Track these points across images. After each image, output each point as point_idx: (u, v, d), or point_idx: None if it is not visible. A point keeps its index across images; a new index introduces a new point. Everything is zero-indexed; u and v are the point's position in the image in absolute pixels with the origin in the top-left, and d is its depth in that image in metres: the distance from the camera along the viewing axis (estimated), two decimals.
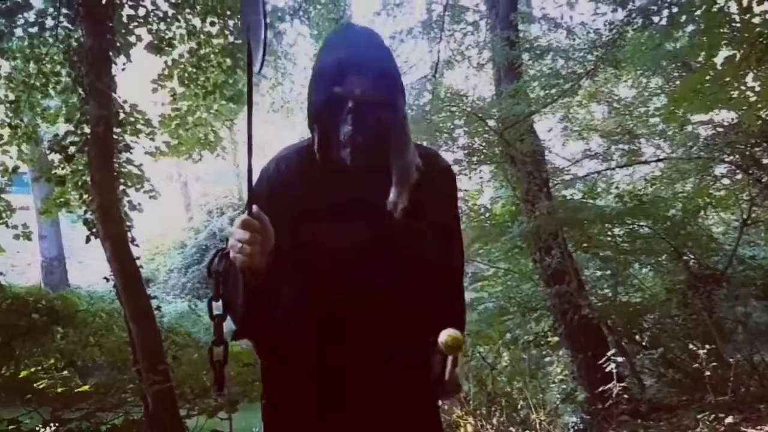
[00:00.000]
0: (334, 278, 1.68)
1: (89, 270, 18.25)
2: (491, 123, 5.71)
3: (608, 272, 5.98)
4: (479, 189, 6.99)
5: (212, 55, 7.62)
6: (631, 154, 6.69)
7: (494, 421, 4.46)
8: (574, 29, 7.40)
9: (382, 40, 1.81)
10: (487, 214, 6.94)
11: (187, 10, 7.42)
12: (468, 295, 7.40)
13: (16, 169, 8.05)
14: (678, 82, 6.65)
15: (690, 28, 5.30)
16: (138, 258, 6.07)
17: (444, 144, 6.27)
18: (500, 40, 6.21)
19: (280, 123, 14.49)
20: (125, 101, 6.81)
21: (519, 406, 4.65)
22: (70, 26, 6.59)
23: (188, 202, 25.17)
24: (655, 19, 5.74)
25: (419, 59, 9.17)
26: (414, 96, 7.86)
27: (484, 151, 5.88)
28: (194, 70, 7.58)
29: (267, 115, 12.83)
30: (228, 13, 7.58)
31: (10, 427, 4.89)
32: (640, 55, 5.61)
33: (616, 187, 6.88)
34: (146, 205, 7.09)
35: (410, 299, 1.69)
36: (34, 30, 6.89)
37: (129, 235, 6.06)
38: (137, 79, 7.53)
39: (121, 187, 6.50)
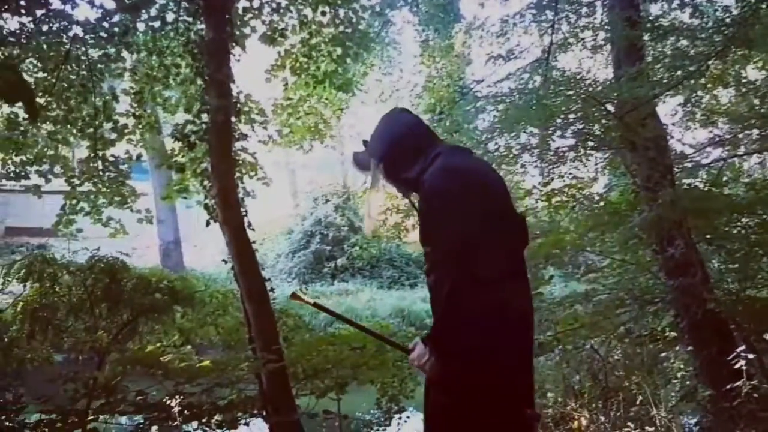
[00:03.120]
0: None
1: (203, 253, 19.17)
2: (609, 107, 5.47)
3: (735, 265, 5.61)
4: (593, 176, 6.73)
5: (323, 45, 7.76)
6: (763, 140, 6.23)
7: (611, 415, 4.30)
8: (700, 6, 6.97)
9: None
10: (602, 203, 6.68)
11: (299, 1, 7.56)
12: (581, 287, 7.17)
13: (139, 156, 8.54)
14: None
15: None
16: (254, 242, 6.28)
17: (557, 129, 6.09)
18: (620, 20, 5.92)
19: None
20: (240, 91, 7.05)
21: (638, 402, 4.45)
22: (189, 20, 6.87)
23: (295, 190, 25.87)
24: None
25: (530, 43, 8.95)
26: (524, 81, 7.68)
27: (601, 136, 5.64)
28: (305, 59, 7.74)
29: (376, 105, 12.91)
30: (338, 2, 7.68)
31: (138, 398, 5.21)
32: None
33: (749, 175, 6.44)
34: (257, 191, 7.33)
35: None
36: (156, 24, 7.25)
37: (245, 220, 6.28)
38: (250, 70, 7.78)
39: (237, 174, 6.74)
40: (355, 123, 12.69)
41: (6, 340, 6.51)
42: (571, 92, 5.57)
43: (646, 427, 4.08)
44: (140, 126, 7.94)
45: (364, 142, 2.67)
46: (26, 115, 7.11)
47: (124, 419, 5.88)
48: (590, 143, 5.85)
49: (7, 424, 5.00)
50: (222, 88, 6.18)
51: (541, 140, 6.86)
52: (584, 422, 4.30)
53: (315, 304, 2.89)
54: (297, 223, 21.56)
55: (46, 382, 5.25)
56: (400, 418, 6.71)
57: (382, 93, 11.65)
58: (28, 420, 5.14)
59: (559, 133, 6.09)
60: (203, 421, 4.85)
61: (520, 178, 8.49)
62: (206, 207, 6.42)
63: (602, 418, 4.35)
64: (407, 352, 2.38)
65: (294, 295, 3.04)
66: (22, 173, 7.51)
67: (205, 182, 6.52)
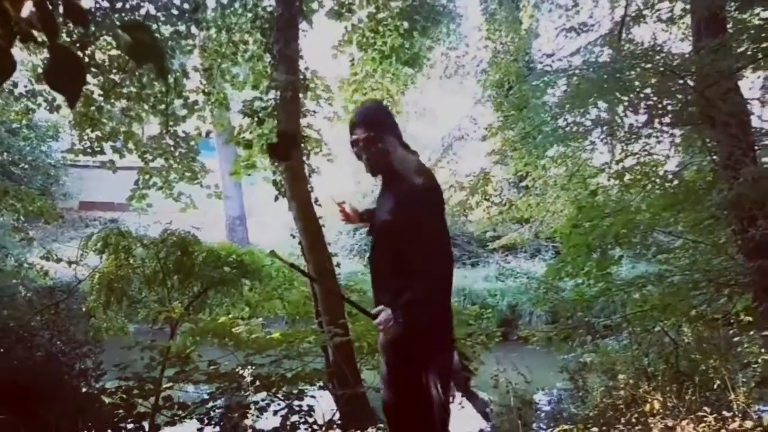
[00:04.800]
0: None
1: (267, 229, 19.50)
2: (688, 81, 5.24)
3: None
4: (668, 154, 6.48)
5: (390, 19, 7.69)
6: None
7: (685, 398, 4.18)
8: None
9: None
10: (676, 182, 6.44)
11: None
12: (650, 268, 6.98)
13: (209, 133, 8.70)
14: None
15: None
16: (320, 218, 6.34)
17: (631, 105, 5.89)
18: None
19: (451, 88, 14.32)
20: (307, 67, 7.07)
21: (714, 386, 4.31)
22: None
23: (356, 167, 25.96)
24: None
25: (602, 16, 8.66)
26: (596, 55, 7.45)
27: (678, 111, 5.41)
28: (372, 34, 7.70)
29: (439, 81, 12.74)
30: None
31: (210, 367, 5.36)
32: None
33: None
34: (320, 168, 7.38)
35: None
36: (225, 0, 7.31)
37: (312, 195, 6.34)
38: (316, 46, 7.79)
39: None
40: (419, 99, 12.52)
41: (84, 309, 6.79)
42: (647, 65, 5.36)
43: (724, 412, 3.95)
44: (210, 102, 8.07)
45: (278, 135, 3.10)
46: (101, 92, 7.36)
47: (193, 388, 6.08)
48: (666, 119, 5.63)
49: (86, 390, 5.25)
50: (291, 64, 6.23)
51: (613, 116, 6.66)
52: (657, 405, 4.20)
53: (291, 265, 3.38)
54: (358, 200, 21.67)
55: (122, 351, 5.45)
56: (463, 397, 6.70)
57: (447, 68, 11.47)
58: (107, 386, 5.38)
59: (631, 108, 5.89)
60: (272, 391, 4.96)
61: (588, 155, 8.30)
62: (274, 183, 6.51)
63: (676, 402, 4.24)
64: (373, 317, 2.67)
65: (272, 253, 3.44)
66: (98, 149, 7.74)
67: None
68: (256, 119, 6.49)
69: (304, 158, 6.52)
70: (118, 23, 7.07)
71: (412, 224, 2.65)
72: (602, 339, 6.17)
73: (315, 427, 4.92)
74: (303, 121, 6.89)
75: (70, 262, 7.35)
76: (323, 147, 7.65)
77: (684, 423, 3.93)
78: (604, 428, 4.22)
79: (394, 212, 2.74)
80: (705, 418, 3.95)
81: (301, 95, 6.65)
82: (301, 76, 6.70)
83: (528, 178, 9.83)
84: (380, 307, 2.62)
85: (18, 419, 4.33)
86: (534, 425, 5.74)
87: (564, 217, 8.78)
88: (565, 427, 4.25)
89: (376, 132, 2.84)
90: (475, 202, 9.81)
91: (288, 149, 2.95)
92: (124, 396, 5.15)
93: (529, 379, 5.50)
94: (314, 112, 7.24)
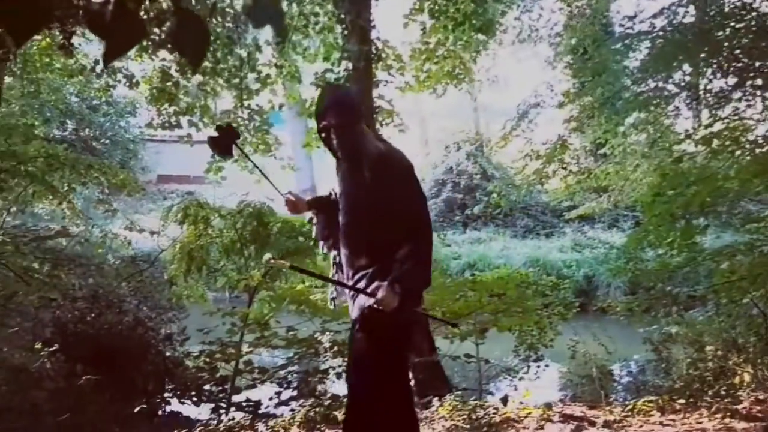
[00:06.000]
0: None
1: None
2: None
3: None
4: (760, 118, 6.13)
5: None
6: None
7: None
8: None
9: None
10: (766, 148, 6.11)
11: None
12: (736, 238, 6.67)
13: (281, 106, 8.80)
14: None
15: None
16: None
17: (719, 67, 5.60)
18: None
19: (524, 55, 13.93)
20: (378, 37, 7.01)
21: None
22: None
23: (426, 138, 25.83)
24: None
25: None
26: (680, 16, 7.08)
27: None
28: (444, 1, 7.55)
29: (512, 48, 12.42)
30: None
31: (289, 333, 5.49)
32: None
33: None
34: (390, 140, 7.34)
35: None
36: None
37: None
38: (386, 15, 7.72)
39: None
40: (491, 66, 12.20)
41: (166, 278, 7.04)
42: (738, 25, 5.06)
43: None
44: (281, 75, 8.13)
45: (218, 128, 2.97)
46: (178, 67, 7.52)
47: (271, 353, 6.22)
48: (758, 81, 5.32)
49: (169, 354, 5.47)
50: (362, 34, 6.20)
51: (698, 79, 6.36)
52: (747, 378, 4.04)
53: (292, 266, 3.23)
54: (428, 171, 21.57)
55: (202, 317, 5.62)
56: (538, 367, 6.64)
57: (520, 33, 11.13)
58: (190, 350, 5.59)
59: (720, 71, 5.60)
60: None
61: (671, 121, 7.96)
62: None
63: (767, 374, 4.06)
64: (370, 294, 2.60)
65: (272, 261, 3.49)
66: (175, 123, 7.94)
67: None
68: None
69: (377, 129, 6.51)
70: None
71: (390, 197, 2.67)
72: (686, 310, 5.97)
73: None
74: (374, 92, 6.87)
75: (152, 233, 7.61)
76: (394, 117, 7.61)
77: None
78: (690, 400, 4.09)
79: (372, 187, 2.71)
80: None
81: (373, 65, 6.61)
82: (373, 47, 6.65)
83: (606, 146, 9.51)
84: (376, 284, 2.57)
85: (109, 380, 4.55)
86: (613, 396, 5.63)
87: (645, 185, 8.48)
88: (651, 398, 4.15)
89: (347, 118, 2.79)
90: (552, 171, 9.59)
91: (229, 144, 2.88)
92: (207, 360, 5.35)
93: (611, 350, 5.39)
94: (386, 82, 7.20)
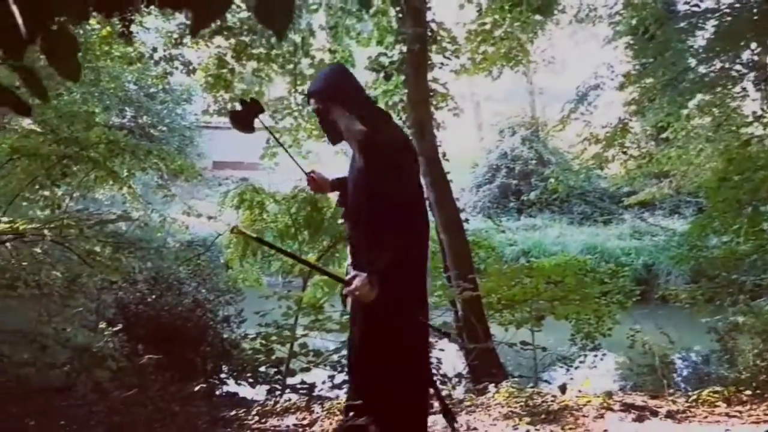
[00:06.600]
0: None
1: None
2: None
3: None
4: None
5: None
6: None
7: None
8: None
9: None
10: None
11: None
12: None
13: None
14: None
15: None
16: (448, 173, 6.27)
17: None
18: None
19: (582, 37, 13.53)
20: (432, 19, 6.92)
21: None
22: None
23: (480, 122, 25.54)
24: None
25: None
26: None
27: None
28: None
29: (569, 30, 12.07)
30: None
31: (343, 318, 5.49)
32: None
33: None
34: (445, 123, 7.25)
35: None
36: None
37: (440, 150, 6.27)
38: None
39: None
40: (547, 47, 11.85)
41: (222, 261, 7.16)
42: None
43: None
44: (335, 60, 8.12)
45: (242, 102, 2.93)
46: (233, 54, 7.60)
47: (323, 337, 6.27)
48: None
49: (227, 335, 5.56)
50: (418, 16, 6.13)
51: (767, 58, 6.07)
52: None
53: (257, 239, 3.37)
54: (482, 156, 21.33)
55: (258, 300, 5.69)
56: (595, 356, 6.51)
57: (578, 12, 10.78)
58: (247, 332, 5.67)
59: None
60: None
61: (738, 103, 7.65)
62: None
63: None
64: (346, 283, 2.58)
65: (235, 230, 3.43)
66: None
67: (401, 113, 6.56)
68: (383, 74, 6.46)
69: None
70: None
71: (380, 187, 2.58)
72: (752, 300, 5.74)
73: (445, 379, 4.94)
74: (429, 75, 6.79)
75: (209, 217, 7.74)
76: (449, 101, 7.52)
77: None
78: (757, 391, 3.94)
79: (361, 177, 2.66)
80: None
81: (427, 48, 6.54)
82: (428, 29, 6.58)
83: (669, 129, 9.19)
84: (353, 273, 2.54)
85: (169, 360, 4.65)
86: (674, 387, 5.48)
87: (708, 170, 8.18)
88: (716, 388, 4.01)
89: (325, 103, 2.72)
90: (612, 155, 9.33)
91: (251, 118, 2.81)
92: (263, 342, 5.41)
93: (673, 339, 5.23)
94: (442, 64, 7.11)
